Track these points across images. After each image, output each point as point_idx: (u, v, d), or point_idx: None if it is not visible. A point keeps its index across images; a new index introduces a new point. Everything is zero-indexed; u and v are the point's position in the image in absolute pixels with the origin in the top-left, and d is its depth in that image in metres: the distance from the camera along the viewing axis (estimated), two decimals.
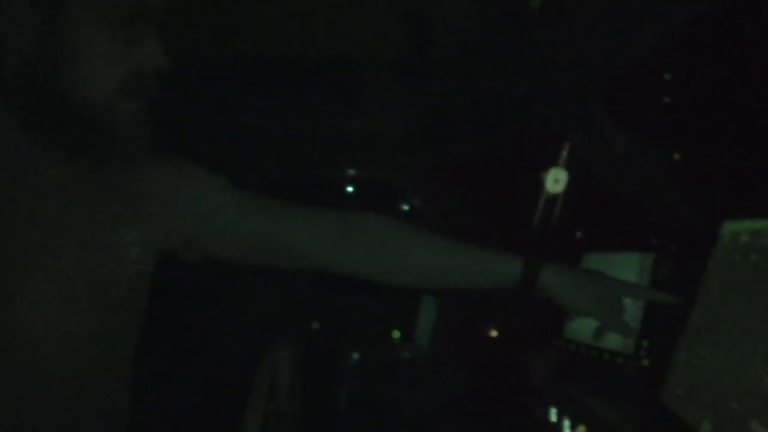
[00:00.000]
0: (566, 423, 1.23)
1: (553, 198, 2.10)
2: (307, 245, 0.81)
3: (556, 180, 2.05)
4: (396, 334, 2.62)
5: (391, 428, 1.40)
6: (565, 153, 2.00)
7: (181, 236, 0.81)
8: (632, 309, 1.34)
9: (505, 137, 2.23)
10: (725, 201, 0.95)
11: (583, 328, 1.49)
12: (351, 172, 2.53)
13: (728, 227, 0.91)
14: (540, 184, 2.07)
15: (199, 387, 1.37)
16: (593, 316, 0.87)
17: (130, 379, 0.77)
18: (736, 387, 0.72)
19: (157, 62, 0.65)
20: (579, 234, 1.94)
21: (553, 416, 1.30)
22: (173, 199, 0.78)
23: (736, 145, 1.07)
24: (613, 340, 1.36)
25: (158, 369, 1.25)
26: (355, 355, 2.18)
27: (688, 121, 1.27)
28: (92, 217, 0.70)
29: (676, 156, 1.43)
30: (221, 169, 0.82)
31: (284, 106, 1.79)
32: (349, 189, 2.70)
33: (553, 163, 2.02)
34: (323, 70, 1.66)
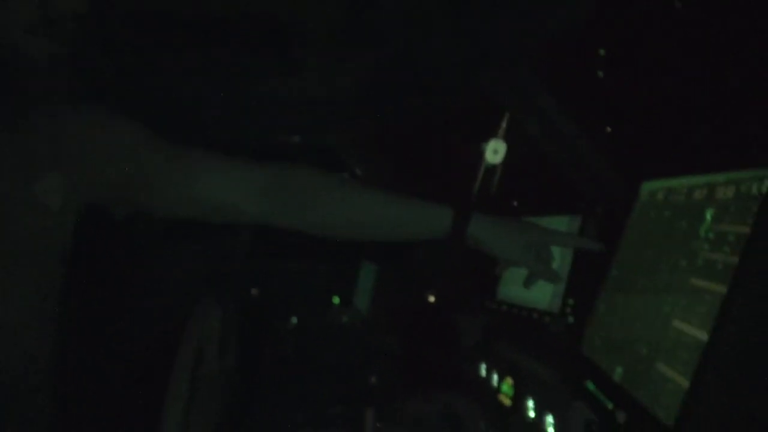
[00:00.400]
0: (494, 377, 1.28)
1: (492, 168, 2.15)
2: (238, 199, 0.80)
3: (495, 151, 2.10)
4: (336, 300, 2.64)
5: (327, 389, 1.42)
6: (504, 125, 2.05)
7: (105, 187, 0.78)
8: (559, 270, 1.40)
9: (445, 107, 2.25)
10: (646, 164, 0.99)
11: (514, 290, 1.54)
12: (290, 139, 2.50)
13: (647, 186, 0.96)
14: (480, 154, 2.12)
15: (124, 351, 1.35)
16: (522, 263, 0.89)
17: (52, 337, 0.75)
18: (645, 334, 0.77)
19: (74, 4, 0.63)
20: (515, 201, 1.99)
21: (483, 372, 1.35)
22: (95, 147, 0.75)
23: (656, 113, 1.12)
24: (542, 300, 1.42)
25: (81, 330, 1.22)
26: (294, 320, 2.19)
27: (614, 91, 1.32)
28: (9, 162, 0.67)
29: (604, 125, 1.48)
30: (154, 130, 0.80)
31: (218, 66, 1.74)
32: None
33: (492, 134, 2.07)
34: (259, 31, 1.62)
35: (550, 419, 1.02)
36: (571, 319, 1.31)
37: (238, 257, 2.39)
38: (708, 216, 0.72)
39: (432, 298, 2.14)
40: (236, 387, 1.32)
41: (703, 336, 0.63)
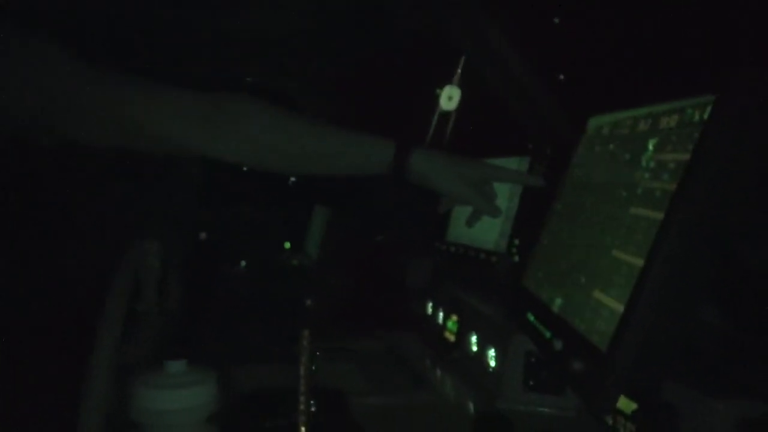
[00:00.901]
0: (440, 315, 1.29)
1: (446, 114, 2.13)
2: (169, 126, 0.75)
3: (449, 97, 2.08)
4: (287, 245, 2.62)
5: (273, 328, 1.41)
6: (459, 71, 2.02)
7: (27, 112, 0.73)
8: (507, 210, 1.41)
9: (402, 51, 2.20)
10: (593, 100, 0.99)
11: (462, 231, 1.55)
12: (242, 80, 2.41)
13: (593, 122, 0.95)
14: (434, 100, 2.09)
15: (58, 293, 1.30)
16: (463, 198, 0.89)
17: None
18: (585, 264, 0.77)
19: None
20: (467, 145, 1.99)
21: (429, 310, 1.36)
22: (11, 67, 0.70)
23: (602, 50, 1.11)
24: (489, 241, 1.42)
25: (11, 269, 1.17)
26: (243, 264, 2.16)
27: (562, 32, 1.30)
28: None
29: (554, 67, 1.47)
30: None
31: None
32: None
33: (448, 80, 2.04)
34: None
35: (491, 352, 1.03)
36: (516, 258, 1.33)
37: (188, 201, 2.33)
38: (650, 146, 0.72)
39: (382, 241, 2.14)
40: (180, 327, 1.30)
41: (639, 262, 0.64)
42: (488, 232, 1.44)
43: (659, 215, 0.63)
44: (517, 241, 1.34)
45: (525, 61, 1.60)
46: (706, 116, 0.62)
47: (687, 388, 0.74)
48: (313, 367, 1.12)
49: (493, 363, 1.03)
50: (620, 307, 0.64)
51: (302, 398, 0.56)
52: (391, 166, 0.84)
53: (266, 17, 1.91)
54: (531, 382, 0.97)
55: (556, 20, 1.62)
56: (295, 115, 0.81)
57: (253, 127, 0.78)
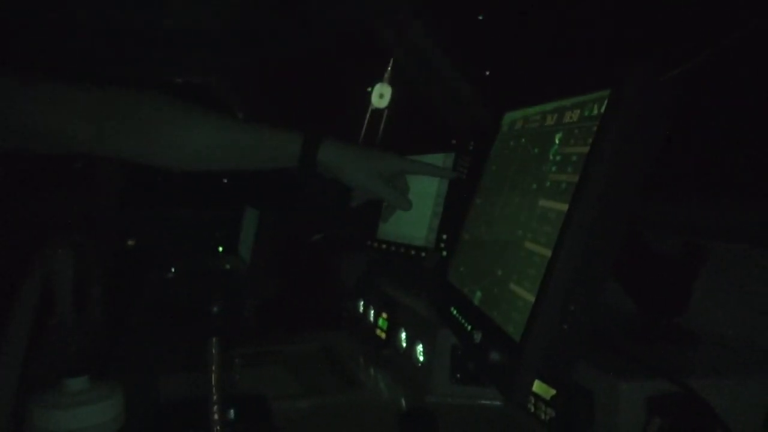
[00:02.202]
0: (371, 313, 1.29)
1: (378, 112, 2.14)
2: (61, 123, 0.72)
3: (381, 95, 2.09)
4: (221, 249, 2.56)
5: (205, 333, 1.38)
6: (389, 68, 2.03)
7: None
8: (435, 207, 1.42)
9: (331, 49, 2.19)
10: (508, 96, 1.01)
11: (392, 228, 1.56)
12: (162, 74, 2.34)
13: (508, 117, 0.98)
14: (366, 98, 2.10)
15: None
16: (374, 191, 0.89)
17: None
18: (501, 257, 0.79)
19: None
20: (399, 142, 2.00)
21: (361, 308, 1.36)
22: None
23: (518, 49, 1.14)
24: (418, 237, 1.44)
25: None
26: (173, 269, 2.10)
27: (489, 32, 1.34)
28: None
29: (479, 65, 1.50)
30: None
31: None
32: None
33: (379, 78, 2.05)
34: None
35: (420, 347, 1.04)
36: (444, 253, 1.35)
37: (109, 204, 2.24)
38: (557, 139, 0.74)
39: (313, 241, 2.13)
40: (102, 338, 1.25)
41: (546, 252, 0.66)
42: (418, 229, 1.46)
43: (564, 207, 0.66)
44: (445, 236, 1.35)
45: (448, 58, 1.62)
46: (602, 110, 0.65)
47: (599, 372, 0.77)
48: (237, 376, 1.11)
49: (421, 358, 1.04)
50: (532, 298, 0.66)
51: (215, 408, 0.55)
52: (298, 158, 0.83)
53: (188, 12, 1.86)
54: (458, 375, 0.99)
55: (480, 17, 1.65)
56: (195, 107, 0.79)
57: (151, 123, 0.75)
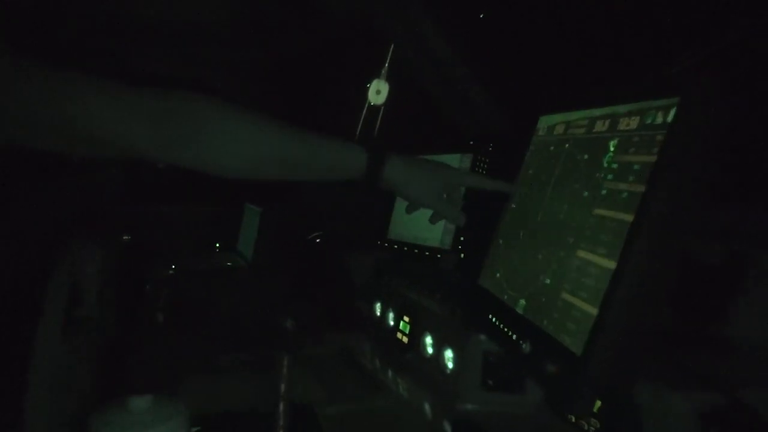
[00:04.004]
0: (390, 315, 1.27)
1: (375, 108, 2.12)
2: (117, 128, 0.68)
3: (377, 91, 2.07)
4: (218, 245, 2.52)
5: (211, 335, 1.35)
6: (386, 65, 2.01)
7: None
8: None
9: (330, 44, 2.16)
10: (543, 98, 0.99)
11: (405, 229, 1.54)
12: (161, 71, 2.29)
13: (544, 121, 0.96)
14: (364, 94, 2.08)
15: None
16: (434, 207, 0.88)
17: None
18: (549, 265, 0.78)
19: None
20: (405, 140, 1.98)
21: (378, 311, 1.34)
22: None
23: (551, 47, 1.12)
24: (433, 238, 1.42)
25: None
26: (173, 265, 2.06)
27: (504, 26, 1.31)
28: None
29: (496, 62, 1.48)
30: None
31: None
32: None
33: (376, 74, 2.03)
34: None
35: (449, 353, 1.03)
36: (462, 255, 1.33)
37: (110, 200, 2.19)
38: (611, 147, 0.73)
39: (318, 239, 2.10)
40: (114, 339, 1.21)
41: (608, 264, 0.64)
42: (432, 229, 1.44)
43: (626, 216, 0.64)
44: (462, 238, 1.34)
45: (461, 55, 1.60)
46: (669, 119, 0.63)
47: (646, 383, 0.76)
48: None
49: (450, 364, 1.02)
50: (592, 309, 0.64)
51: (281, 423, 0.53)
52: (363, 173, 0.82)
53: (184, 4, 1.82)
54: (489, 382, 0.97)
55: (482, 15, 1.63)
56: (259, 116, 0.76)
57: (212, 130, 0.72)
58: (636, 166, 0.66)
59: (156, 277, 1.95)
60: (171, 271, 2.01)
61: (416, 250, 1.46)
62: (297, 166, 0.81)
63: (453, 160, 1.45)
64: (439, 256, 1.38)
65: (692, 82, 0.61)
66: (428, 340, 1.10)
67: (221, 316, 1.55)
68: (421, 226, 1.50)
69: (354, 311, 1.47)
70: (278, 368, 0.56)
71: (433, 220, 0.99)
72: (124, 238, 2.34)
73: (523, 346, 0.75)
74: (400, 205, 1.59)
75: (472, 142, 1.43)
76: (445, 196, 0.90)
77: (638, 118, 0.70)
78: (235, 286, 1.83)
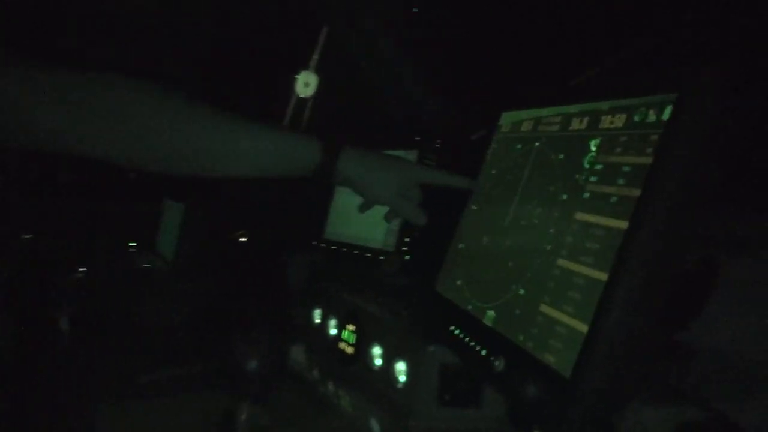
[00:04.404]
0: (332, 323, 1.18)
1: (303, 101, 2.03)
2: (23, 101, 0.56)
3: (306, 83, 1.98)
4: (133, 244, 2.32)
5: (129, 349, 1.20)
6: (316, 56, 1.93)
7: None
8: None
9: (258, 28, 2.05)
10: (506, 94, 0.93)
11: (344, 228, 1.45)
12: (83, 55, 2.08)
13: (508, 117, 0.90)
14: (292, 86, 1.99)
15: None
16: (390, 205, 0.81)
17: None
18: (523, 274, 0.71)
19: None
20: (344, 135, 1.90)
21: (318, 318, 1.24)
22: None
23: (503, 41, 1.07)
24: (375, 238, 1.34)
25: None
26: (82, 268, 1.86)
27: (458, 12, 1.24)
28: None
29: (441, 51, 1.42)
30: None
31: None
32: None
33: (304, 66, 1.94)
34: None
35: (400, 366, 0.95)
36: (407, 257, 1.26)
37: (8, 195, 1.96)
38: (593, 146, 0.67)
39: (245, 238, 1.97)
40: (22, 356, 1.05)
41: (598, 275, 0.58)
42: (374, 229, 1.36)
43: (617, 223, 0.58)
44: (407, 239, 1.26)
45: (404, 44, 1.53)
46: (665, 116, 0.58)
47: None
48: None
49: (402, 378, 0.94)
50: (580, 326, 0.58)
51: None
52: (315, 167, 0.73)
53: None
54: (446, 397, 0.90)
55: (415, 9, 1.57)
56: (198, 103, 0.65)
57: (143, 119, 0.60)
58: (626, 168, 0.60)
59: (62, 281, 1.75)
60: (79, 275, 1.81)
61: (356, 252, 1.38)
62: (238, 160, 0.71)
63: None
64: (381, 257, 1.30)
65: (692, 77, 0.56)
66: (376, 350, 1.01)
67: (140, 327, 1.40)
68: (362, 225, 1.41)
69: (288, 317, 1.36)
70: (235, 417, 0.46)
71: (389, 218, 0.91)
72: (24, 237, 2.10)
73: (496, 363, 0.68)
74: (339, 201, 1.50)
75: (418, 138, 1.35)
76: (405, 196, 0.82)
77: (624, 115, 0.64)
78: (156, 290, 1.67)
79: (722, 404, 0.73)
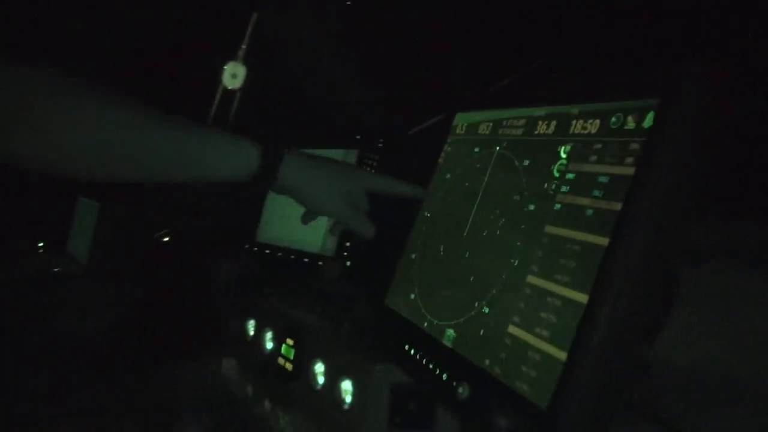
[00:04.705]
0: (268, 336, 1.09)
1: (230, 93, 1.93)
2: None
3: (233, 75, 1.88)
4: (41, 245, 2.12)
5: (38, 367, 1.07)
6: (244, 46, 1.83)
7: None
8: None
9: (181, 13, 1.92)
10: (461, 94, 0.87)
11: (278, 231, 1.36)
12: None
13: (461, 118, 0.84)
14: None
15: None
16: (336, 215, 0.74)
17: None
18: (485, 289, 0.66)
19: None
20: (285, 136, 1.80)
21: (252, 330, 1.15)
22: None
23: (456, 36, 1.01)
24: (313, 243, 1.26)
25: None
26: None
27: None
28: None
29: (386, 45, 1.35)
30: None
31: None
32: None
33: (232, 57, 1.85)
34: None
35: (346, 385, 0.87)
36: (348, 263, 1.19)
37: None
38: (562, 153, 0.62)
39: (167, 238, 1.84)
40: None
41: (575, 296, 0.53)
42: (312, 232, 1.28)
43: (597, 239, 0.53)
44: (348, 244, 1.19)
45: (340, 37, 1.46)
46: (646, 124, 0.54)
47: None
48: None
49: (348, 398, 0.87)
50: (558, 353, 0.53)
51: None
52: (254, 173, 0.65)
53: None
54: (397, 419, 0.83)
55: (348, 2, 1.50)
56: (124, 99, 0.56)
57: (65, 118, 0.50)
58: (602, 179, 0.56)
59: None
60: None
61: (292, 256, 1.29)
62: (167, 164, 0.62)
63: (335, 156, 1.30)
64: (320, 263, 1.22)
65: (676, 80, 0.52)
66: (319, 367, 0.94)
67: (50, 340, 1.25)
68: (298, 228, 1.32)
69: (220, 331, 1.26)
70: None
71: (334, 231, 0.84)
72: None
73: (459, 390, 0.62)
74: (273, 201, 1.40)
75: (359, 137, 1.28)
76: (352, 205, 0.75)
77: (598, 121, 0.59)
78: (68, 297, 1.51)
79: (681, 422, 0.70)
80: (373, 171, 1.10)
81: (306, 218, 0.80)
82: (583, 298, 0.52)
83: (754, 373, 0.68)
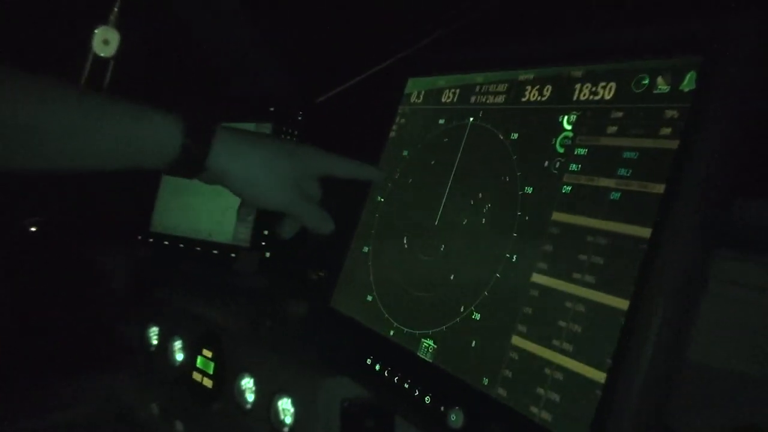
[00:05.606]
0: (177, 346, 0.91)
1: (104, 62, 1.68)
2: None
3: (105, 41, 1.64)
4: None
5: None
6: (116, 9, 1.60)
7: None
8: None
9: None
10: (411, 55, 0.74)
11: (179, 218, 1.18)
12: None
13: (414, 84, 0.71)
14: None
15: None
16: (287, 210, 0.58)
17: None
18: (474, 291, 0.54)
19: None
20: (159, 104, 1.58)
21: (155, 339, 0.97)
22: None
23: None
24: (222, 231, 1.09)
25: None
26: None
27: None
28: None
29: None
30: None
31: None
32: None
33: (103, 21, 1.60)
34: None
35: (284, 403, 0.73)
36: (267, 254, 1.03)
37: None
38: (566, 124, 0.51)
39: (35, 228, 1.57)
40: None
41: (607, 300, 0.43)
42: (220, 220, 1.10)
43: (630, 229, 0.43)
44: (266, 232, 1.03)
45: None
46: (684, 86, 0.44)
47: None
48: None
49: (288, 419, 0.73)
50: (591, 372, 0.42)
51: None
52: (175, 158, 0.49)
53: None
54: None
55: None
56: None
57: None
58: (629, 154, 0.46)
59: None
60: None
61: (198, 248, 1.11)
62: (58, 147, 0.46)
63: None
64: (233, 255, 1.06)
65: (725, 33, 0.42)
66: (246, 383, 0.78)
67: None
68: (203, 214, 1.15)
69: (111, 340, 1.05)
70: None
71: (244, 215, 0.68)
72: None
73: (452, 417, 0.51)
74: (170, 182, 1.20)
75: (272, 109, 1.11)
76: (303, 193, 0.60)
77: (613, 84, 0.49)
78: None
79: (677, 421, 0.64)
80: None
81: (241, 212, 0.63)
82: (619, 303, 0.42)
83: (753, 372, 0.63)
